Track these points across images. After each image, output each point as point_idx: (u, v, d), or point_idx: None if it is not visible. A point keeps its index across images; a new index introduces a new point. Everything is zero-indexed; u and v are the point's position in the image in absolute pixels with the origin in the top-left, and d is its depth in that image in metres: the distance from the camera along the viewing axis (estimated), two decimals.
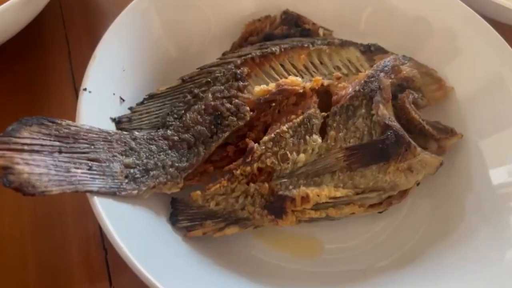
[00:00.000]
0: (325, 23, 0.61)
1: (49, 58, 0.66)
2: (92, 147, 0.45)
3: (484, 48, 0.57)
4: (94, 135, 0.45)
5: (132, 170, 0.45)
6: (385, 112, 0.49)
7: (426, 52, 0.59)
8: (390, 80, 0.51)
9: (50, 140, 0.42)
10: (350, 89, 0.51)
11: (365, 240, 0.53)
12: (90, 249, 0.52)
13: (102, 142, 0.46)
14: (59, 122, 0.44)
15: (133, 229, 0.43)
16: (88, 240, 0.53)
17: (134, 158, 0.46)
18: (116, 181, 0.44)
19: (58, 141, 0.43)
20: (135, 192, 0.44)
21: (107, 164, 0.45)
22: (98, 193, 0.42)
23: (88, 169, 0.43)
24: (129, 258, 0.40)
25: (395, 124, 0.48)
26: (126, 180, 0.44)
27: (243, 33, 0.60)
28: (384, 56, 0.56)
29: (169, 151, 0.48)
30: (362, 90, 0.50)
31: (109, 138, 0.46)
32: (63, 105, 0.62)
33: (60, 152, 0.42)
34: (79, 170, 0.43)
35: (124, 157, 0.46)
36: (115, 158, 0.45)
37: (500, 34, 0.56)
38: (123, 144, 0.47)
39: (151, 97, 0.52)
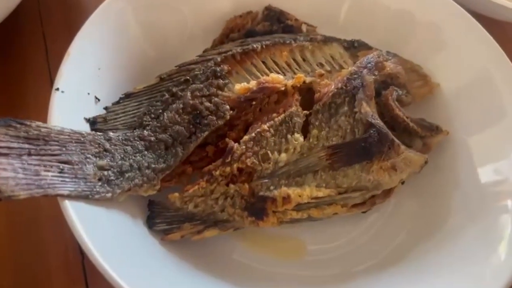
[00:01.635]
0: (308, 19, 0.59)
1: (25, 56, 0.64)
2: (64, 149, 0.43)
3: (470, 43, 0.56)
4: (66, 137, 0.44)
5: (106, 172, 0.44)
6: (368, 109, 0.48)
7: (410, 47, 0.59)
8: (374, 77, 0.50)
9: (19, 143, 0.41)
10: (333, 87, 0.50)
11: (349, 241, 0.52)
12: (67, 254, 0.51)
13: (74, 144, 0.44)
14: (28, 123, 0.42)
15: (107, 233, 0.42)
16: (65, 245, 0.51)
17: (108, 160, 0.45)
18: (89, 184, 0.43)
19: (27, 144, 0.41)
20: (109, 195, 0.43)
21: (80, 166, 0.43)
22: (70, 196, 0.41)
23: (59, 172, 0.42)
24: (101, 264, 0.38)
25: (378, 121, 0.48)
26: (100, 183, 0.43)
27: (223, 30, 0.59)
28: (368, 52, 0.55)
29: (146, 152, 0.47)
30: (344, 87, 0.49)
31: (82, 139, 0.44)
32: (40, 105, 0.58)
33: (29, 154, 0.41)
34: (49, 173, 0.41)
35: (97, 159, 0.45)
36: (88, 160, 0.44)
37: (487, 29, 0.56)
38: (97, 146, 0.45)
39: (127, 96, 0.51)
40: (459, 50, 0.56)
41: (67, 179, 0.42)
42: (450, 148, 0.54)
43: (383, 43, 0.58)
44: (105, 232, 0.42)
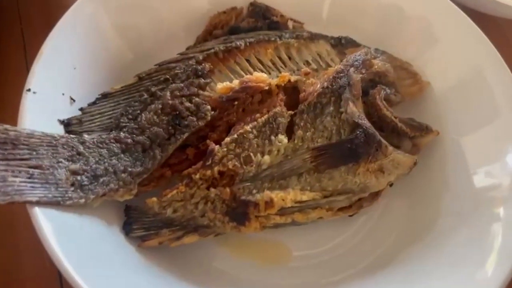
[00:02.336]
0: (295, 15, 0.58)
1: (3, 54, 0.62)
2: (34, 153, 0.41)
3: (461, 40, 0.55)
4: (37, 140, 0.42)
5: (79, 177, 0.43)
6: (354, 109, 0.47)
7: (400, 44, 0.57)
8: (361, 75, 0.49)
9: None
10: (319, 86, 0.49)
11: (335, 246, 0.51)
12: (43, 262, 0.49)
13: (45, 147, 0.42)
14: None
15: (80, 241, 0.40)
16: (41, 253, 0.49)
17: (82, 164, 0.43)
18: (60, 189, 0.41)
19: None
20: (82, 200, 0.42)
21: (51, 171, 0.42)
22: (39, 203, 0.39)
23: (28, 178, 0.40)
24: (71, 276, 0.37)
25: (365, 122, 0.47)
26: (72, 188, 0.42)
27: (207, 26, 0.57)
28: (355, 49, 0.54)
29: (122, 155, 0.46)
30: (330, 86, 0.48)
31: (54, 142, 0.43)
32: (17, 105, 0.57)
33: None
34: (17, 179, 0.39)
35: (70, 162, 0.43)
36: (60, 164, 0.42)
37: (479, 25, 0.54)
38: (69, 149, 0.44)
39: (104, 96, 0.49)
40: (450, 47, 0.55)
41: (36, 185, 0.40)
42: (440, 149, 0.53)
43: (371, 40, 0.57)
44: (77, 240, 0.40)
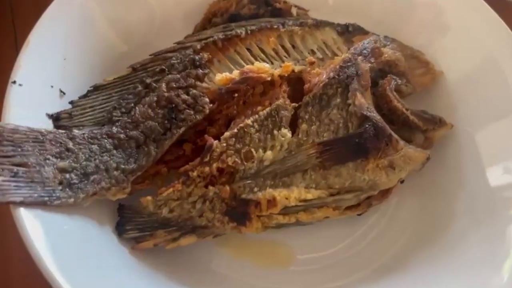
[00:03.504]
0: (298, 1, 0.55)
1: None
2: (19, 149, 0.39)
3: (476, 26, 0.52)
4: (22, 136, 0.40)
5: (68, 175, 0.41)
6: (363, 101, 0.45)
7: (410, 31, 0.55)
8: (370, 65, 0.47)
9: None
10: (324, 76, 0.47)
11: (342, 247, 0.49)
12: (31, 264, 0.46)
13: (31, 144, 0.40)
14: None
15: (68, 244, 0.38)
16: (29, 255, 0.47)
17: (71, 161, 0.42)
18: (47, 188, 0.39)
19: None
20: (71, 200, 0.40)
21: (37, 169, 0.39)
22: (24, 203, 0.37)
23: (12, 176, 0.38)
24: (57, 283, 0.35)
25: (375, 115, 0.45)
26: (60, 187, 0.40)
27: (205, 14, 0.55)
28: (363, 37, 0.52)
29: (114, 151, 0.44)
30: (337, 76, 0.46)
31: (41, 138, 0.41)
32: None
33: None
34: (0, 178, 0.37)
35: (58, 160, 0.41)
36: (47, 161, 0.40)
37: (496, 10, 0.52)
38: (58, 145, 0.42)
39: (96, 89, 0.47)
40: (464, 34, 0.53)
41: (21, 184, 0.38)
42: (454, 143, 0.51)
43: (380, 27, 0.54)
44: (66, 243, 0.38)
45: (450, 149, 0.51)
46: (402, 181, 0.47)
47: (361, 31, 0.54)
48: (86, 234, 0.41)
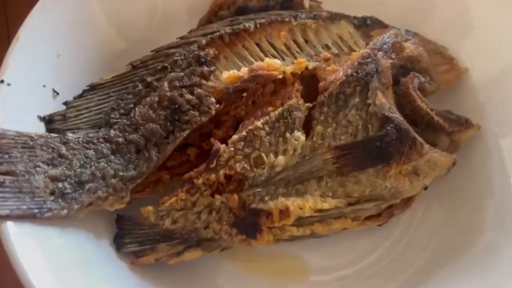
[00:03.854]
0: None
1: None
2: (6, 156, 0.38)
3: (504, 20, 0.50)
4: (10, 141, 0.39)
5: (60, 184, 0.39)
6: (384, 100, 0.43)
7: (433, 24, 0.53)
8: (391, 61, 0.46)
9: None
10: (341, 73, 0.45)
11: (361, 262, 0.48)
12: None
13: (20, 149, 0.39)
14: None
15: (62, 261, 0.37)
16: None
17: (64, 168, 0.40)
18: (37, 199, 0.38)
19: None
20: (64, 212, 0.39)
21: (26, 177, 0.38)
22: (10, 216, 0.36)
23: None
24: None
25: (397, 115, 0.43)
26: (52, 198, 0.39)
27: (211, 7, 0.53)
28: (383, 31, 0.50)
29: (112, 157, 0.42)
30: (355, 74, 0.45)
31: (31, 143, 0.40)
32: None
33: None
34: None
35: (50, 167, 0.40)
36: (37, 169, 0.39)
37: None
38: (50, 151, 0.40)
39: (92, 88, 0.46)
40: (491, 28, 0.50)
41: (7, 195, 0.37)
42: (481, 146, 0.49)
43: (400, 21, 0.52)
44: (58, 260, 0.37)
45: (477, 152, 0.49)
46: (425, 188, 0.46)
47: (380, 25, 0.52)
48: (81, 249, 0.39)
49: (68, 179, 0.39)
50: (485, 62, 0.50)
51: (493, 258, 0.42)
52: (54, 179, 0.39)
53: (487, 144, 0.48)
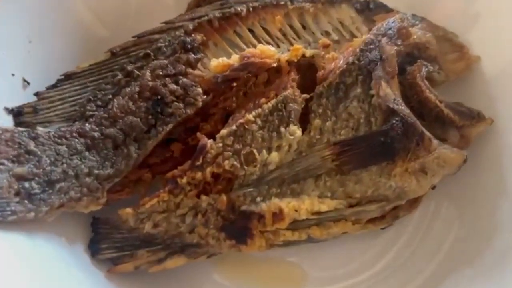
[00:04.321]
0: None
1: None
2: None
3: None
4: None
5: (27, 184, 0.38)
6: (388, 91, 0.42)
7: (441, 8, 0.51)
8: (396, 48, 0.44)
9: None
10: (342, 61, 0.44)
11: (363, 268, 0.46)
12: None
13: None
14: None
15: (28, 269, 0.34)
16: None
17: (32, 166, 0.38)
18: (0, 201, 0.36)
19: None
20: (31, 215, 0.37)
21: None
22: None
23: None
24: None
25: (403, 108, 0.42)
26: (17, 199, 0.37)
27: None
28: (387, 16, 0.49)
29: (86, 153, 0.41)
30: (357, 61, 0.43)
31: None
32: None
33: None
34: None
35: (15, 164, 0.38)
36: (1, 167, 0.37)
37: None
38: (16, 146, 0.38)
39: (67, 77, 0.45)
40: (504, 14, 0.48)
41: None
42: (493, 140, 0.46)
43: (405, 5, 0.50)
44: (25, 268, 0.34)
45: (489, 149, 0.47)
46: (433, 187, 0.44)
47: (384, 9, 0.50)
48: (51, 256, 0.38)
49: (36, 178, 0.38)
50: (499, 50, 0.48)
51: (508, 261, 0.40)
52: (20, 178, 0.37)
53: (500, 139, 0.46)
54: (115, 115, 0.42)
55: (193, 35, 0.45)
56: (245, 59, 0.43)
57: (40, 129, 0.40)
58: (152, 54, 0.45)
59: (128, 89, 0.43)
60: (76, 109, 0.43)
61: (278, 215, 0.40)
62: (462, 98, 0.47)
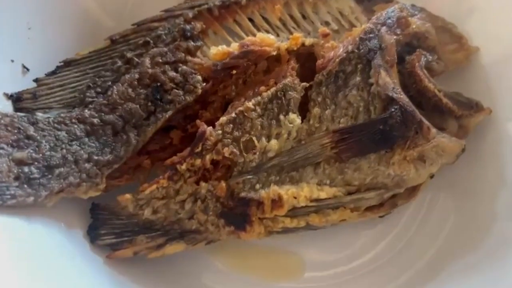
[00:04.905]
0: None
1: None
2: None
3: None
4: None
5: (26, 168, 0.38)
6: (388, 80, 0.42)
7: (440, 0, 0.50)
8: (395, 37, 0.44)
9: None
10: (341, 50, 0.44)
11: (361, 256, 0.46)
12: None
13: None
14: None
15: (27, 254, 0.35)
16: None
17: (31, 151, 0.38)
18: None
19: None
20: (30, 199, 0.37)
21: None
22: None
23: None
24: None
25: (402, 96, 0.42)
26: (16, 183, 0.37)
27: None
28: (386, 5, 0.48)
29: (86, 139, 0.41)
30: (356, 50, 0.43)
31: None
32: None
33: None
34: None
35: (15, 149, 0.38)
36: (0, 151, 0.36)
37: None
38: (15, 131, 0.38)
39: (67, 64, 0.45)
40: (502, 5, 0.48)
41: None
42: (492, 131, 0.46)
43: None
44: (24, 253, 0.34)
45: (488, 138, 0.47)
46: (432, 176, 0.44)
47: None
48: (50, 241, 0.38)
49: (36, 163, 0.38)
50: (497, 40, 0.48)
51: (507, 249, 0.40)
52: (20, 162, 0.37)
53: (498, 129, 0.46)
54: (114, 102, 0.42)
55: (192, 23, 0.45)
56: (245, 47, 0.43)
57: (39, 115, 0.40)
58: (151, 41, 0.45)
59: (127, 76, 0.43)
60: (76, 96, 0.43)
61: (277, 202, 0.40)
62: (461, 88, 0.47)
